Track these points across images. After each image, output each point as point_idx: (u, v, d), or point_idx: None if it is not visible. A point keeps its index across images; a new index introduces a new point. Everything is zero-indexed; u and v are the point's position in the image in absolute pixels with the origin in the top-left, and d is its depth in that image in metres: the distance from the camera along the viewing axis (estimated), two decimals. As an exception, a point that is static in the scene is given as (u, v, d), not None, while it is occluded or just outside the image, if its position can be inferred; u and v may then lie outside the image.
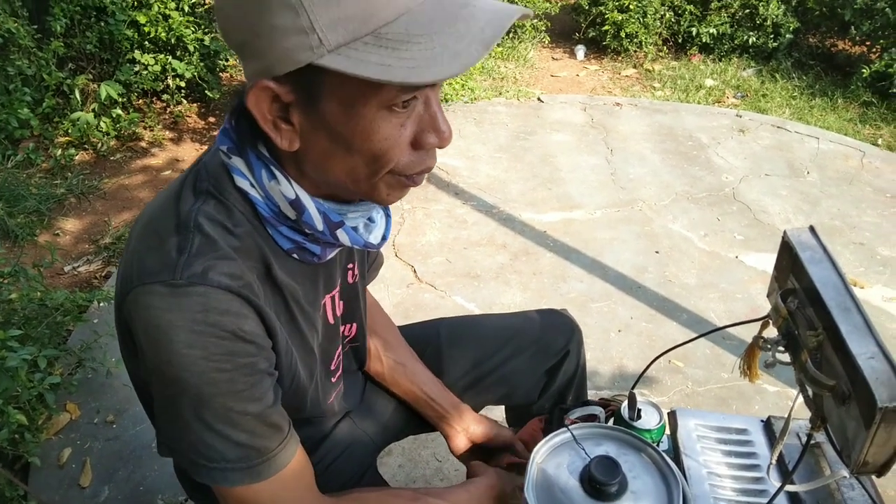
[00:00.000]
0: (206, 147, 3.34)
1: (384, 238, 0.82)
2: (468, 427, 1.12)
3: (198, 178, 0.72)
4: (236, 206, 0.71)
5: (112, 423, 1.82)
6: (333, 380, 0.96)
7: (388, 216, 0.85)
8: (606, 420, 1.13)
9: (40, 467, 1.65)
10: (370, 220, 0.81)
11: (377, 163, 0.66)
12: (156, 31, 3.12)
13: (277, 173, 0.69)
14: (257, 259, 0.72)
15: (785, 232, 0.90)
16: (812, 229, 0.90)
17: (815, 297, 0.82)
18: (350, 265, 0.94)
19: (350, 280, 0.95)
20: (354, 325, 1.01)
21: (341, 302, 0.94)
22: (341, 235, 0.74)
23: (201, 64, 3.31)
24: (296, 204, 0.70)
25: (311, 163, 0.69)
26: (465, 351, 1.16)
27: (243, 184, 0.70)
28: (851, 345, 0.74)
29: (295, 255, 0.75)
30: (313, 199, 0.71)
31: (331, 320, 0.89)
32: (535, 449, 0.99)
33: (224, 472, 0.71)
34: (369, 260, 1.05)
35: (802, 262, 0.85)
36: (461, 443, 1.12)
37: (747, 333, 0.94)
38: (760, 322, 0.94)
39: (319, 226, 0.72)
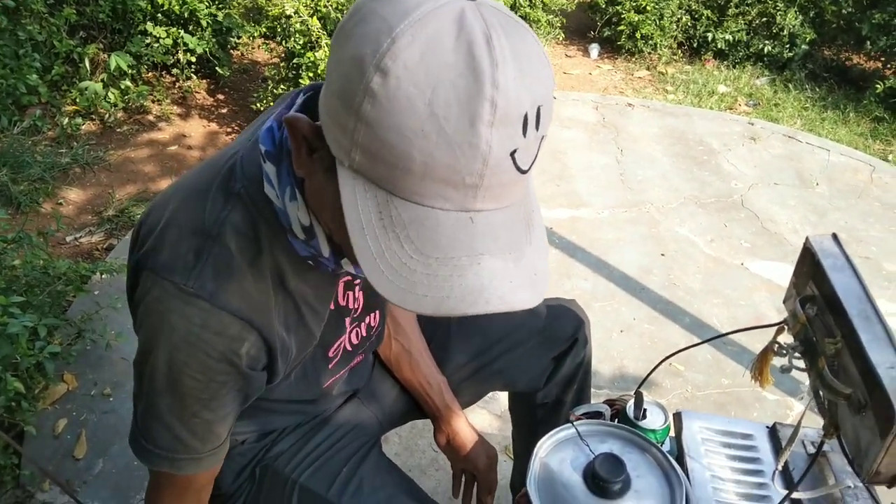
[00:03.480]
0: (213, 124, 3.34)
1: None
2: (452, 432, 1.13)
3: (232, 176, 0.72)
4: (263, 214, 0.71)
5: (109, 396, 1.82)
6: (330, 366, 0.95)
7: None
8: (611, 419, 1.13)
9: (35, 436, 1.64)
10: None
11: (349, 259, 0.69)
12: (169, 4, 3.09)
13: (299, 197, 0.68)
14: (272, 272, 0.73)
15: (807, 238, 0.89)
16: (835, 236, 0.89)
17: (835, 304, 0.81)
18: None
19: None
20: (377, 312, 1.00)
21: (363, 292, 0.94)
22: (346, 265, 0.75)
23: (213, 40, 3.29)
24: (308, 230, 0.70)
25: (308, 192, 0.68)
26: (473, 337, 1.16)
27: (270, 192, 0.70)
28: (871, 354, 0.74)
29: (311, 262, 0.76)
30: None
31: (331, 305, 0.87)
32: (539, 443, 0.99)
33: (150, 453, 0.76)
34: None
35: (824, 268, 0.84)
36: (442, 441, 1.16)
37: (750, 341, 0.93)
38: (776, 328, 0.93)
39: (326, 252, 0.72)
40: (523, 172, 0.55)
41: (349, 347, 0.96)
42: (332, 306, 0.87)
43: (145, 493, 0.84)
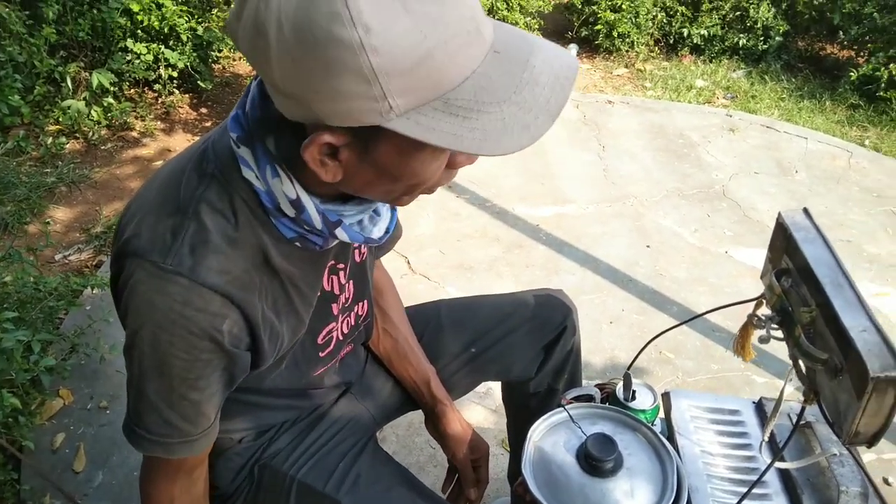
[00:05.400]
0: (197, 138, 3.34)
1: (388, 231, 0.83)
2: (440, 421, 1.13)
3: (204, 159, 0.73)
4: (239, 193, 0.72)
5: (106, 408, 1.82)
6: (322, 354, 0.96)
7: (393, 209, 0.86)
8: (602, 402, 1.15)
9: (34, 451, 1.64)
10: (376, 212, 0.82)
11: (417, 188, 0.70)
12: (149, 20, 3.10)
13: (281, 173, 0.70)
14: (254, 248, 0.74)
15: (780, 213, 0.93)
16: (806, 211, 0.92)
17: (808, 274, 0.84)
18: (356, 244, 0.94)
19: (358, 259, 0.95)
20: (365, 301, 1.01)
21: (350, 281, 0.95)
22: (340, 233, 0.76)
23: (194, 54, 3.30)
24: (296, 203, 0.71)
25: (346, 186, 0.70)
26: (464, 329, 1.18)
27: (249, 175, 0.71)
28: (844, 319, 0.76)
29: (297, 244, 0.76)
30: (312, 198, 0.72)
31: (326, 288, 0.89)
32: (532, 428, 1.01)
33: (143, 439, 0.78)
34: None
35: (797, 241, 0.87)
36: (431, 430, 1.17)
37: (737, 326, 0.96)
38: (754, 302, 0.96)
39: (318, 225, 0.73)
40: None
41: (340, 337, 0.98)
42: (326, 288, 0.89)
43: (139, 478, 0.85)
